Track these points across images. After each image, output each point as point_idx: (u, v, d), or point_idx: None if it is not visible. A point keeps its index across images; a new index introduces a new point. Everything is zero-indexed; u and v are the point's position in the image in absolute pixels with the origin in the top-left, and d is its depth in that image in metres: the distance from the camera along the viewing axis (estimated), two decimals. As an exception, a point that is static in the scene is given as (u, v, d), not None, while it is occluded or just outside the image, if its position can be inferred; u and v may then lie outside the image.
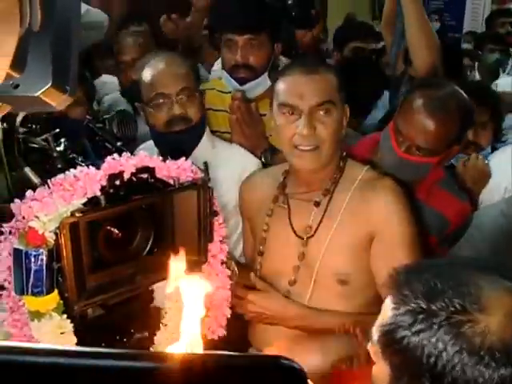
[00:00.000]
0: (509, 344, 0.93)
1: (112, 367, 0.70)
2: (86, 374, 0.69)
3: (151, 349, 1.73)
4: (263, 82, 2.52)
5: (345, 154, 1.96)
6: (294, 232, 1.94)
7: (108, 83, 3.37)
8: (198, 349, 1.09)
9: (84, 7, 3.22)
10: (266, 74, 2.52)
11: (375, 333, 1.08)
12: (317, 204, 1.92)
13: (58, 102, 0.82)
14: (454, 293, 0.98)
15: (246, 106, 2.40)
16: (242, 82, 2.47)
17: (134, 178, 1.54)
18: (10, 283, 1.45)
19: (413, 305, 0.99)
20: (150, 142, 2.27)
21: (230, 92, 2.51)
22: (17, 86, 0.77)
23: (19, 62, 0.73)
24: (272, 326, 1.92)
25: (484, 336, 0.93)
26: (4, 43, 0.68)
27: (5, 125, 1.68)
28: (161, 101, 2.14)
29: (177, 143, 2.02)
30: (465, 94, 2.08)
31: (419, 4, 2.51)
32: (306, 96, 1.84)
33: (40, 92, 0.79)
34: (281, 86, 1.90)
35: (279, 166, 2.07)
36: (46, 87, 0.78)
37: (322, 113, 1.84)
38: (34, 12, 0.72)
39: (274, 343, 1.90)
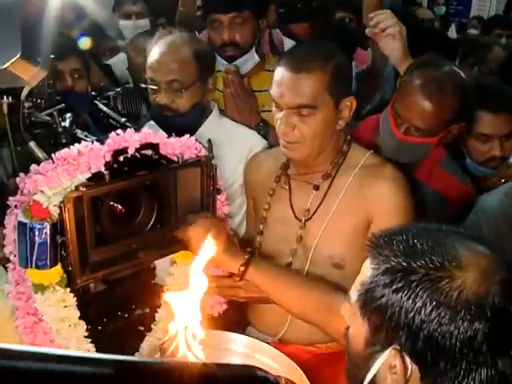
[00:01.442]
0: (483, 298, 0.96)
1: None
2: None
3: (152, 325, 1.75)
4: (251, 57, 2.60)
5: (349, 137, 1.95)
6: (294, 214, 1.94)
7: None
8: (197, 323, 1.12)
9: None
10: (253, 49, 2.59)
11: (354, 292, 1.10)
12: (316, 187, 1.92)
13: (29, 75, 0.79)
14: (433, 251, 1.00)
15: (239, 80, 2.43)
16: (230, 60, 2.53)
17: (138, 154, 1.54)
18: (15, 256, 1.46)
19: (392, 263, 1.02)
20: None
21: (219, 71, 2.52)
22: None
23: None
24: (267, 305, 1.93)
25: (460, 291, 0.97)
26: None
27: (10, 99, 1.68)
28: (152, 86, 2.15)
29: (173, 125, 2.02)
30: (462, 74, 2.10)
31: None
32: (285, 96, 1.80)
33: (8, 64, 0.75)
34: (275, 74, 1.86)
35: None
36: (14, 58, 0.75)
37: (302, 113, 1.81)
38: None
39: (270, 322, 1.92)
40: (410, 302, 0.98)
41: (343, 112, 1.85)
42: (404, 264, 1.01)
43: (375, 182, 1.86)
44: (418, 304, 0.97)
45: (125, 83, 2.81)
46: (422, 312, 0.97)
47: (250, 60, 2.59)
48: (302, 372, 1.53)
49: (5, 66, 0.76)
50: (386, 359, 1.02)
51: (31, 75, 0.80)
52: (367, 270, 1.07)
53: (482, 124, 2.30)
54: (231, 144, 2.21)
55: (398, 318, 0.99)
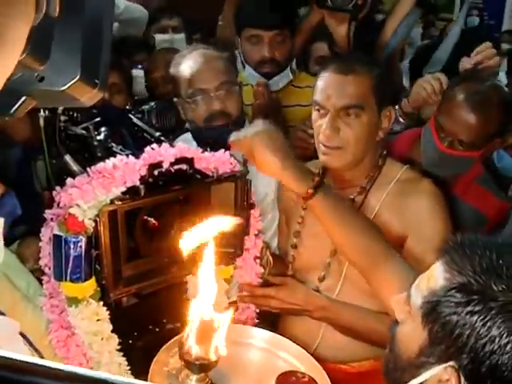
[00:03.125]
0: None
1: None
2: None
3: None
4: (286, 75, 2.60)
5: (385, 152, 1.94)
6: None
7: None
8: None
9: (123, 3, 3.24)
10: (289, 67, 2.58)
11: (417, 295, 1.04)
12: (351, 201, 1.91)
13: (86, 96, 0.79)
14: None
15: (268, 93, 2.43)
16: (267, 76, 2.53)
17: (173, 169, 1.54)
18: (49, 269, 1.47)
19: (471, 279, 0.96)
20: (188, 134, 2.28)
21: (249, 84, 2.53)
22: (42, 79, 0.72)
23: (39, 51, 0.68)
24: (299, 317, 1.91)
25: None
26: (11, 29, 0.61)
27: (47, 112, 1.70)
28: (200, 96, 2.15)
29: (216, 137, 2.02)
30: (505, 88, 2.12)
31: None
32: (333, 97, 1.81)
33: (67, 86, 0.75)
34: (318, 81, 1.88)
35: (318, 161, 2.06)
36: (73, 81, 0.74)
37: (348, 115, 1.81)
38: None
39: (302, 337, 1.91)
40: (485, 328, 0.93)
41: (383, 122, 1.86)
42: (484, 285, 0.95)
43: (411, 197, 1.84)
44: (494, 333, 0.92)
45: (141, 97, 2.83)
46: (496, 341, 0.92)
47: (285, 77, 2.60)
48: (324, 372, 1.50)
49: (63, 88, 0.76)
50: (439, 372, 0.99)
51: (89, 97, 0.79)
52: (439, 276, 1.02)
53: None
54: None
55: (466, 340, 0.95)
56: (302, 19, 2.79)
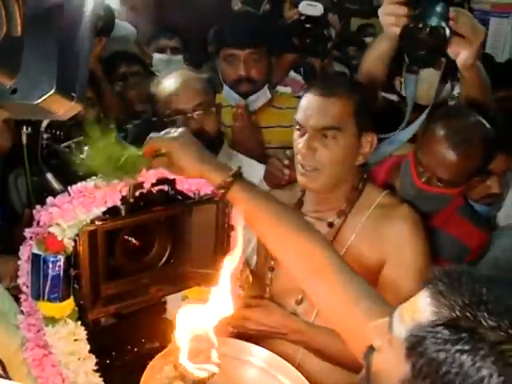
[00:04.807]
0: None
1: None
2: None
3: (161, 360, 1.73)
4: (264, 94, 2.66)
5: (366, 176, 1.96)
6: None
7: None
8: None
9: None
10: (266, 86, 2.61)
11: (400, 325, 0.99)
12: (330, 224, 1.92)
13: (63, 109, 0.78)
14: (508, 313, 0.90)
15: (247, 115, 2.45)
16: (243, 95, 2.55)
17: (154, 190, 1.54)
18: (27, 287, 1.46)
19: (459, 314, 0.91)
20: None
21: (230, 106, 2.55)
22: (14, 91, 0.73)
23: (6, 66, 0.70)
24: (276, 340, 1.91)
25: None
26: None
27: (29, 129, 1.69)
28: (177, 117, 2.17)
29: None
30: (488, 125, 2.02)
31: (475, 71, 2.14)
32: (312, 117, 1.84)
33: (41, 99, 0.75)
34: (301, 101, 1.92)
35: (297, 184, 2.07)
36: (48, 94, 0.74)
37: (325, 136, 1.83)
38: (13, 17, 0.68)
39: None
40: (475, 368, 0.89)
41: (364, 147, 1.87)
42: (474, 321, 0.90)
43: (390, 222, 1.86)
44: (483, 373, 0.88)
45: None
46: (485, 382, 0.88)
47: (262, 96, 2.64)
48: None
49: (38, 102, 0.75)
50: None
51: (65, 110, 0.79)
52: (425, 309, 0.97)
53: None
54: None
55: (453, 377, 0.90)
56: (280, 54, 2.83)
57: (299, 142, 1.87)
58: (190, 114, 2.17)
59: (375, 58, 2.26)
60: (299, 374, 1.53)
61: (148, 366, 1.39)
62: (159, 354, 1.43)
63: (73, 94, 0.79)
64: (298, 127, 1.89)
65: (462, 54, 1.94)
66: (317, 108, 1.85)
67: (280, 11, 2.98)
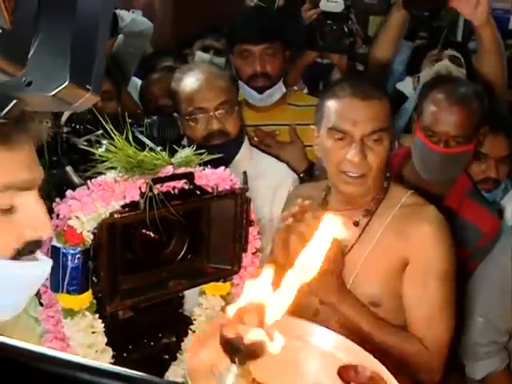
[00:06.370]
0: None
1: None
2: None
3: (178, 355, 1.74)
4: (279, 89, 2.64)
5: (388, 174, 1.94)
6: None
7: None
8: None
9: (129, 16, 3.28)
10: (281, 81, 2.60)
11: None
12: (356, 223, 1.90)
13: (79, 101, 0.79)
14: None
15: (264, 137, 2.52)
16: (259, 90, 2.54)
17: (173, 185, 1.55)
18: (46, 279, 1.47)
19: None
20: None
21: (247, 102, 2.55)
22: (29, 84, 0.74)
23: (13, 57, 0.69)
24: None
25: None
26: None
27: (49, 123, 1.70)
28: (199, 115, 2.16)
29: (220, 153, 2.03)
30: (475, 84, 2.36)
31: (491, 27, 2.48)
32: (360, 123, 1.79)
33: (56, 91, 0.75)
34: (332, 108, 1.85)
35: (324, 182, 2.05)
36: (63, 86, 0.74)
37: (373, 140, 1.80)
38: None
39: None
40: None
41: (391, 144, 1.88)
42: None
43: (417, 223, 1.84)
44: None
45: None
46: None
47: (278, 91, 2.63)
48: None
49: (53, 93, 0.76)
50: None
51: (82, 102, 0.79)
52: None
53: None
54: (261, 177, 2.20)
55: None
56: (297, 57, 2.83)
57: (345, 152, 1.81)
58: (212, 113, 2.15)
59: (387, 35, 2.55)
60: (371, 356, 1.45)
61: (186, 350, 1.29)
62: (194, 336, 1.33)
63: (87, 86, 0.80)
64: (339, 136, 1.83)
65: (477, 8, 2.27)
66: (363, 113, 1.81)
67: (295, 8, 2.97)
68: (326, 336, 1.41)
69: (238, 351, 0.89)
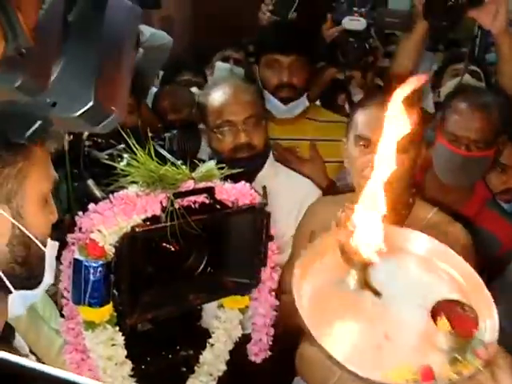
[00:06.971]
0: None
1: None
2: None
3: (196, 367, 1.75)
4: (303, 102, 2.64)
5: (415, 190, 1.94)
6: None
7: None
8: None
9: (149, 30, 3.31)
10: (306, 95, 2.61)
11: None
12: None
13: (103, 122, 0.79)
14: None
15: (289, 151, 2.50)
16: (284, 101, 2.55)
17: (194, 199, 1.56)
18: (68, 292, 1.48)
19: None
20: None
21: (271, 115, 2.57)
22: (54, 104, 0.75)
23: (36, 79, 0.70)
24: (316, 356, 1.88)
25: None
26: None
27: (71, 136, 1.72)
28: (227, 128, 2.17)
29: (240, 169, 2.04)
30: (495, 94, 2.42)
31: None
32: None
33: (79, 112, 0.76)
34: (360, 117, 1.87)
35: (347, 195, 2.03)
36: (86, 107, 0.75)
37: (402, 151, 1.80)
38: (17, 28, 0.66)
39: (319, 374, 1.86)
40: None
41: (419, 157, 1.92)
42: None
43: (445, 240, 1.83)
44: None
45: None
46: None
47: (302, 103, 2.63)
48: (489, 294, 1.26)
49: (78, 114, 0.76)
50: None
51: (105, 123, 0.80)
52: None
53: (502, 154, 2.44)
54: (285, 193, 2.20)
55: None
56: (319, 72, 2.84)
57: (368, 159, 1.79)
58: (240, 127, 2.17)
59: (409, 48, 2.57)
60: (466, 263, 1.36)
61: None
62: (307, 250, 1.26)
63: (112, 108, 0.80)
64: (361, 143, 1.83)
65: (496, 17, 2.32)
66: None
67: (311, 23, 2.98)
68: (422, 241, 1.41)
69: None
